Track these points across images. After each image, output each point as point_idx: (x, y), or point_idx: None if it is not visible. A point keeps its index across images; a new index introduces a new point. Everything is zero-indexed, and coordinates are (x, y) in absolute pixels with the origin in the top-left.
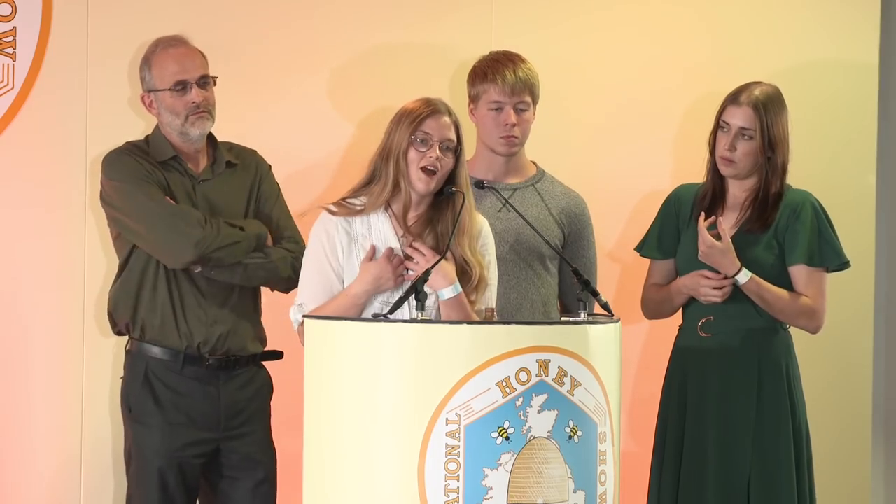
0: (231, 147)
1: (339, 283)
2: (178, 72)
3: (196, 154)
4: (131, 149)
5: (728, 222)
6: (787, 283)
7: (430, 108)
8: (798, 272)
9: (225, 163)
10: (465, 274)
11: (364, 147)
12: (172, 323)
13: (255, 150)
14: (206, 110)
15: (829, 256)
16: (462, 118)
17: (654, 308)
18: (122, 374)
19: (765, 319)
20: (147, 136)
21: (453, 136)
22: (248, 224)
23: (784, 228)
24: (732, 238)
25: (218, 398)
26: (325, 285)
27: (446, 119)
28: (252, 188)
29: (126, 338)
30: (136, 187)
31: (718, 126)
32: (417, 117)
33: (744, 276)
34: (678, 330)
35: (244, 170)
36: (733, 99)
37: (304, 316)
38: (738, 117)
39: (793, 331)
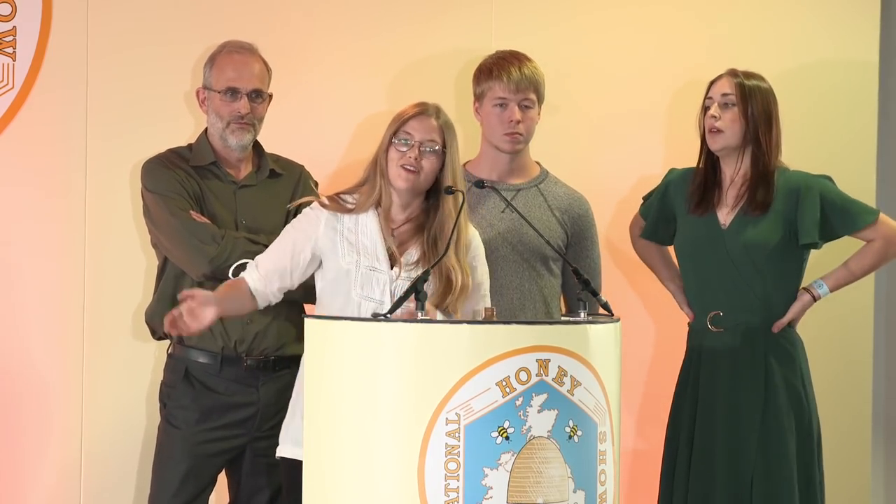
0: (277, 159)
1: (290, 265)
2: (233, 78)
3: (238, 162)
4: (169, 156)
5: (725, 210)
6: (793, 263)
7: (416, 110)
8: (865, 235)
9: (269, 171)
10: (448, 281)
11: (365, 149)
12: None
13: (302, 166)
14: (249, 123)
15: (867, 208)
16: (467, 117)
17: (641, 256)
18: (121, 374)
19: (770, 313)
20: (190, 144)
21: (437, 138)
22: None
23: (794, 209)
24: (733, 223)
25: (258, 399)
26: (279, 259)
27: (432, 121)
28: (292, 201)
29: (167, 341)
30: (163, 201)
31: (704, 108)
32: (401, 118)
33: (825, 290)
34: (689, 328)
35: (287, 181)
36: (717, 78)
37: (304, 316)
38: (718, 87)
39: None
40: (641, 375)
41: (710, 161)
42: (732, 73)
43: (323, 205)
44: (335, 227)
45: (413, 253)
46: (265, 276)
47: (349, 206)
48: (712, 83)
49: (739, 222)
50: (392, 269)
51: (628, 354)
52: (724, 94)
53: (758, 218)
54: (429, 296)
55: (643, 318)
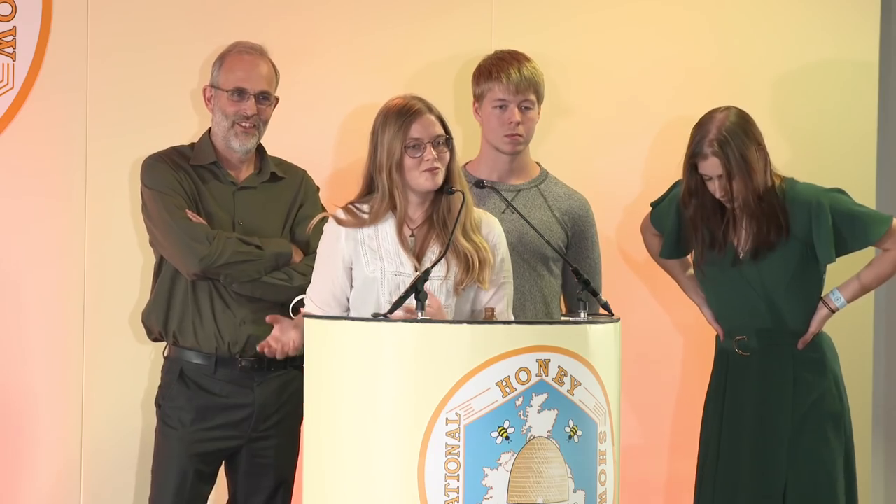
0: (280, 162)
1: (340, 289)
2: (242, 78)
3: (240, 163)
4: (170, 154)
5: (740, 238)
6: (813, 279)
7: (412, 111)
8: (880, 245)
9: (270, 174)
10: (467, 263)
11: (364, 147)
12: (203, 325)
13: (304, 170)
14: (254, 125)
15: (879, 218)
16: (466, 117)
17: (655, 259)
18: (121, 375)
19: (794, 327)
20: (193, 143)
21: (441, 130)
22: (268, 243)
23: (807, 227)
24: (749, 251)
25: (252, 401)
26: (328, 287)
27: (430, 116)
28: (293, 205)
29: (164, 344)
30: (160, 197)
31: (699, 175)
32: (402, 125)
33: (842, 302)
34: (716, 339)
35: (288, 185)
36: (698, 152)
37: (305, 316)
38: (711, 168)
39: None
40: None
41: (710, 201)
42: (714, 151)
43: (340, 221)
44: (356, 237)
45: (435, 249)
46: (325, 306)
47: (364, 216)
48: (697, 159)
49: (756, 250)
50: (416, 270)
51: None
52: (720, 176)
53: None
54: (454, 275)
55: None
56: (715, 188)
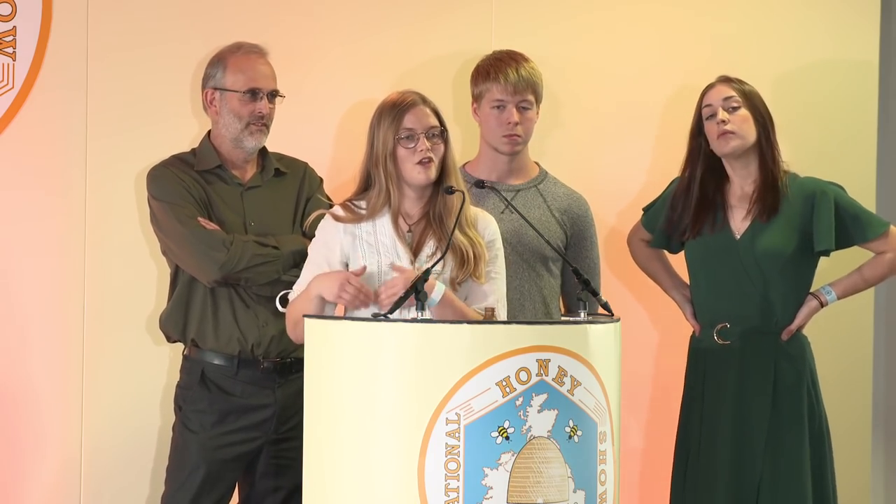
0: (281, 157)
1: None
2: (253, 79)
3: (244, 164)
4: (174, 163)
5: (736, 220)
6: (806, 270)
7: (406, 103)
8: (875, 246)
9: (274, 170)
10: (462, 258)
11: (363, 149)
12: (225, 328)
13: (306, 163)
14: (265, 124)
15: (879, 220)
16: (465, 117)
17: (642, 266)
18: (120, 375)
19: (779, 318)
20: (194, 149)
21: (436, 122)
22: (284, 241)
23: (809, 215)
24: (746, 233)
25: (274, 401)
26: None
27: (424, 108)
28: (299, 199)
29: (179, 343)
30: (171, 209)
31: (702, 119)
32: (395, 116)
33: (832, 296)
34: (692, 334)
35: (292, 179)
36: (705, 90)
37: (305, 316)
38: (717, 93)
39: None
40: (648, 376)
41: (704, 179)
42: (726, 79)
43: (337, 218)
44: (354, 232)
45: (432, 244)
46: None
47: (362, 211)
48: (706, 91)
49: (753, 232)
50: (413, 265)
51: (632, 355)
52: (727, 98)
53: (771, 227)
54: (450, 270)
55: (642, 316)
56: (718, 120)
